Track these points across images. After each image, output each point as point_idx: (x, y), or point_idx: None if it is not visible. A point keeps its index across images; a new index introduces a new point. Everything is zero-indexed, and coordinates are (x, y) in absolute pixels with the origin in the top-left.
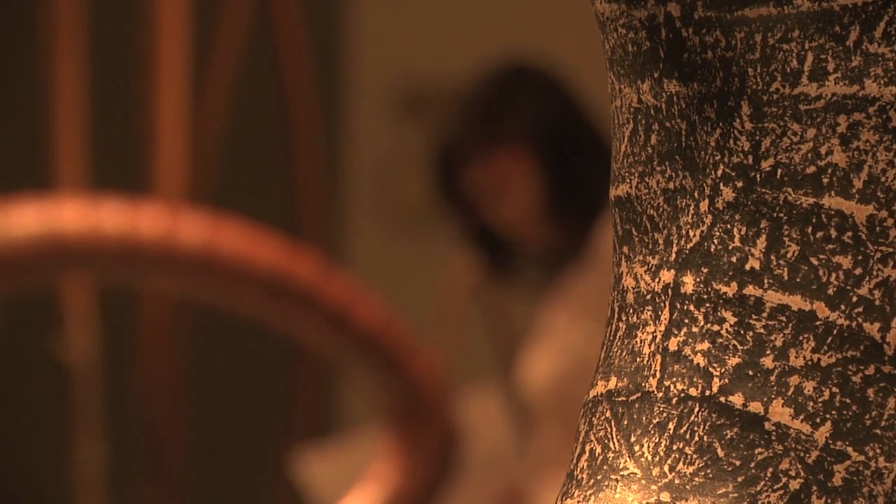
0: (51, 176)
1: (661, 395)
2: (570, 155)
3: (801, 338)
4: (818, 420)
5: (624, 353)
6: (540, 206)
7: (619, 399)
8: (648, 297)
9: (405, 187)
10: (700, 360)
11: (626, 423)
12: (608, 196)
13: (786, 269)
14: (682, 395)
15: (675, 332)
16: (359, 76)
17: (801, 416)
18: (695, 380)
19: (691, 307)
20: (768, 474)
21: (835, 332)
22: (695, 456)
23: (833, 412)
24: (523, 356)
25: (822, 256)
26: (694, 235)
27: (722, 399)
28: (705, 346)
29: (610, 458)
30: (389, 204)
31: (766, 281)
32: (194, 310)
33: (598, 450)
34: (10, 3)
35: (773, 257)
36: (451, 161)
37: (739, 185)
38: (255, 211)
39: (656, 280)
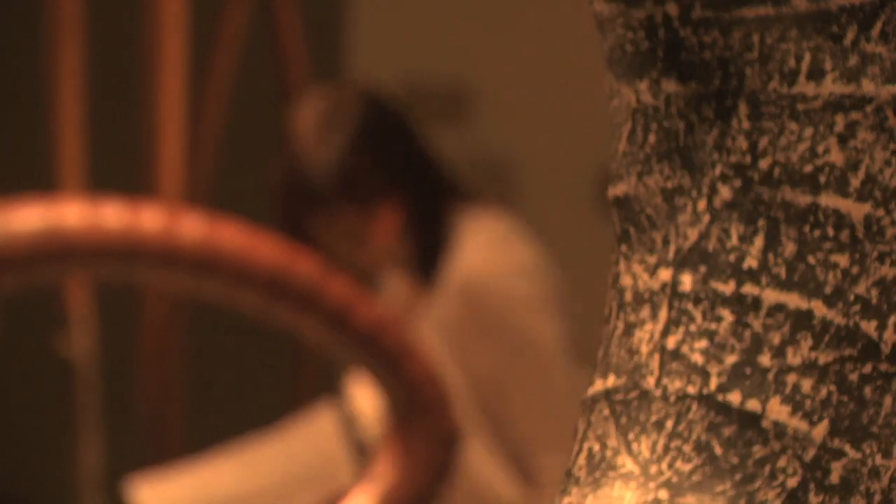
0: (52, 175)
1: (659, 393)
2: (422, 193)
3: (798, 336)
4: (815, 418)
5: (622, 352)
6: (397, 243)
7: (618, 397)
8: (646, 295)
9: None
10: (698, 358)
11: (624, 421)
12: (454, 223)
13: (783, 267)
14: (680, 393)
15: (673, 331)
16: (358, 74)
17: (799, 415)
18: (693, 378)
19: (689, 306)
20: (766, 472)
21: (832, 330)
22: (693, 454)
23: (830, 410)
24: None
25: (819, 255)
26: (692, 234)
27: (720, 397)
28: (703, 344)
29: (608, 456)
30: None
31: (763, 280)
32: (194, 309)
33: (597, 448)
34: (11, 4)
35: (770, 256)
36: (298, 207)
37: (737, 184)
38: (255, 211)
39: (654, 278)
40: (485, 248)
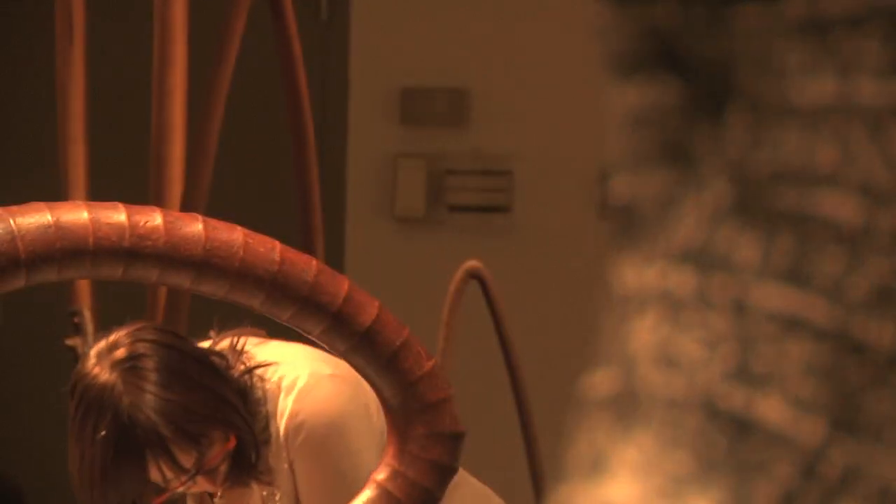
0: (57, 179)
1: (656, 393)
2: (237, 412)
3: (795, 337)
4: (813, 419)
5: (618, 351)
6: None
7: (613, 397)
8: (644, 294)
9: (405, 187)
10: (694, 358)
11: (618, 421)
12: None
13: (780, 268)
14: (676, 393)
15: (670, 330)
16: (359, 76)
17: (796, 416)
18: (690, 378)
19: (686, 305)
20: (763, 473)
21: (830, 331)
22: (687, 455)
23: (828, 411)
24: None
25: (816, 255)
26: (690, 234)
27: (716, 398)
28: (700, 344)
29: (602, 457)
30: (389, 204)
31: (761, 281)
32: (194, 308)
33: (593, 448)
34: (18, 11)
35: (768, 256)
36: (126, 465)
37: (735, 184)
38: (256, 211)
39: (652, 278)
40: (305, 395)
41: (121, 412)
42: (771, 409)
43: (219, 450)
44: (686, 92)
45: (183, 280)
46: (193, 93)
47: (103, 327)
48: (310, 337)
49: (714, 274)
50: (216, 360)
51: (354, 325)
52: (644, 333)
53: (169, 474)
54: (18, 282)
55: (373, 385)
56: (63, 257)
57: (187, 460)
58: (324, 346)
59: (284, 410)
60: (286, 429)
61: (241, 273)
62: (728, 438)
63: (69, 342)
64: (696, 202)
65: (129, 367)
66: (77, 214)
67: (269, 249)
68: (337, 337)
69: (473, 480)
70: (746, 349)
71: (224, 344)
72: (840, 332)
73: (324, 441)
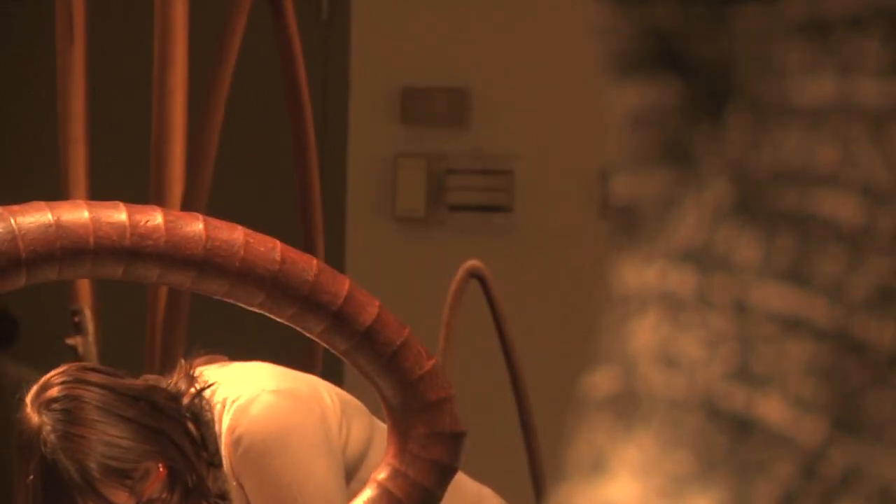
0: (54, 174)
1: (656, 393)
2: (172, 443)
3: (796, 337)
4: (814, 420)
5: (619, 351)
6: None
7: (614, 397)
8: (644, 294)
9: (405, 187)
10: (694, 358)
11: (620, 421)
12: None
13: (781, 268)
14: (678, 393)
15: (670, 330)
16: (359, 76)
17: (797, 416)
18: (690, 378)
19: (687, 305)
20: (763, 473)
21: (830, 331)
22: (688, 455)
23: (828, 411)
24: None
25: (817, 256)
26: (690, 233)
27: (717, 398)
28: (700, 344)
29: (602, 456)
30: (390, 204)
31: (761, 281)
32: (194, 308)
33: (593, 448)
34: (18, 11)
35: (768, 256)
36: None
37: (735, 184)
38: (256, 210)
39: (652, 277)
40: (243, 411)
41: (45, 455)
42: (771, 409)
43: (154, 481)
44: (686, 92)
45: (184, 279)
46: (193, 92)
47: (104, 326)
48: (310, 336)
49: (714, 274)
50: (156, 392)
51: (355, 325)
52: (644, 333)
53: None
54: (19, 281)
55: (373, 384)
56: (64, 256)
57: (121, 497)
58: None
59: (223, 427)
60: (226, 445)
61: (242, 272)
62: (728, 438)
63: (69, 341)
64: (696, 202)
65: (56, 408)
66: (78, 214)
67: (269, 249)
68: (337, 336)
69: (468, 484)
70: (747, 349)
71: (179, 372)
72: (840, 331)
73: (262, 454)
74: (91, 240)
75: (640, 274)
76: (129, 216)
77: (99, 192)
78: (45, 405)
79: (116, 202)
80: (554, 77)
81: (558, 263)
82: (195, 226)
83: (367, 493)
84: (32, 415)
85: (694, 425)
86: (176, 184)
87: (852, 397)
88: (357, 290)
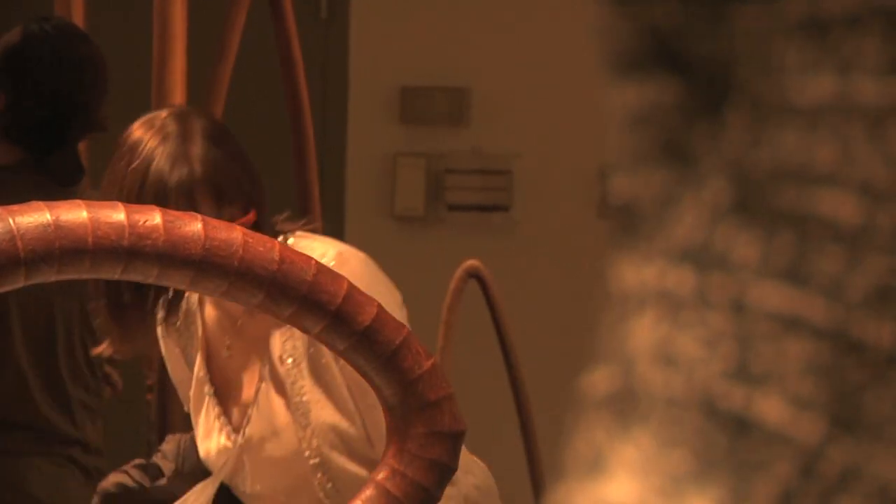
0: None
1: (654, 392)
2: (260, 202)
3: (795, 336)
4: (813, 419)
5: (618, 350)
6: None
7: (613, 396)
8: (642, 293)
9: (405, 186)
10: (693, 357)
11: (619, 420)
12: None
13: (780, 267)
14: (676, 392)
15: (670, 330)
16: (359, 76)
17: (796, 415)
18: (689, 377)
19: (685, 304)
20: (762, 472)
21: (829, 331)
22: (688, 453)
23: (827, 410)
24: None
25: (816, 255)
26: (689, 232)
27: (716, 397)
28: (698, 343)
29: (603, 456)
30: (389, 203)
31: (760, 280)
32: None
33: (592, 447)
34: (19, 9)
35: (767, 255)
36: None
37: (734, 183)
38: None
39: (651, 276)
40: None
41: (155, 149)
42: (770, 408)
43: (242, 219)
44: (685, 91)
45: (182, 279)
46: (193, 92)
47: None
48: (309, 336)
49: (713, 273)
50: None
51: (353, 324)
52: (643, 332)
53: None
54: (18, 281)
55: (372, 384)
56: (62, 256)
57: (207, 210)
58: (325, 344)
59: None
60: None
61: (241, 272)
62: (727, 437)
63: None
64: (695, 201)
65: (179, 115)
66: (76, 213)
67: (268, 249)
68: (336, 336)
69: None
70: (745, 348)
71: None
72: (839, 331)
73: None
74: (90, 240)
75: (638, 273)
76: (128, 216)
77: (98, 190)
78: (166, 115)
79: (115, 202)
80: (553, 77)
81: (557, 263)
82: (194, 225)
83: (366, 492)
84: (149, 120)
85: (692, 424)
86: None
87: (851, 396)
88: (356, 290)
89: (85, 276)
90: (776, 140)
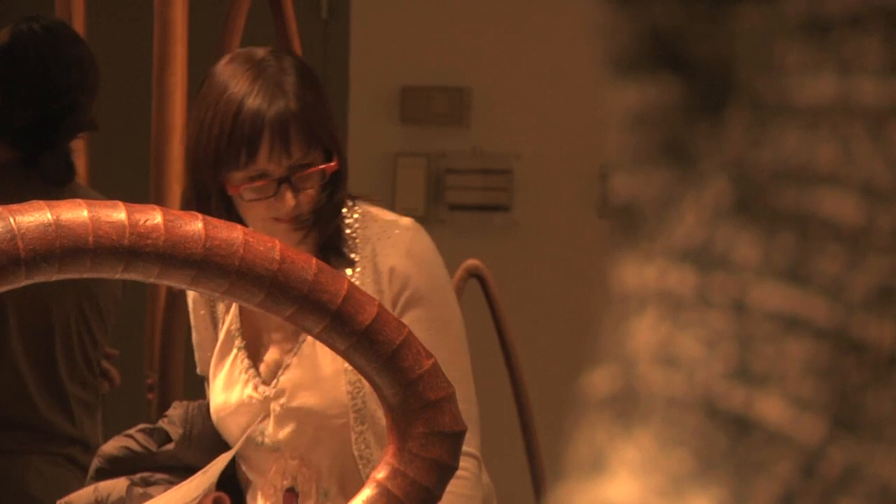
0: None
1: (655, 392)
2: (340, 153)
3: (795, 336)
4: (814, 418)
5: (618, 350)
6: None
7: (614, 396)
8: (643, 293)
9: (405, 186)
10: (693, 357)
11: (620, 420)
12: None
13: (781, 267)
14: (677, 392)
15: (670, 329)
16: (359, 75)
17: (797, 415)
18: (690, 377)
19: (686, 304)
20: (763, 472)
21: (830, 331)
22: (689, 453)
23: (828, 410)
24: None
25: (816, 255)
26: (689, 232)
27: (717, 397)
28: (700, 343)
29: (604, 456)
30: (389, 203)
31: (761, 280)
32: None
33: (593, 447)
34: (20, 9)
35: (767, 255)
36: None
37: (734, 183)
38: None
39: (651, 277)
40: (408, 237)
41: (254, 81)
42: (771, 408)
43: (319, 166)
44: (686, 91)
45: (183, 278)
46: (193, 92)
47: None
48: (310, 335)
49: (714, 273)
50: None
51: (354, 324)
52: (644, 332)
53: (274, 157)
54: (18, 280)
55: (372, 383)
56: (63, 256)
57: (296, 151)
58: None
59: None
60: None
61: (241, 272)
62: (728, 437)
63: None
64: (695, 201)
65: (275, 53)
66: (77, 213)
67: (268, 248)
68: (336, 335)
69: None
70: (746, 348)
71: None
72: (840, 331)
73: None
74: (90, 239)
75: (639, 273)
76: (129, 215)
77: (98, 190)
78: (263, 51)
79: (116, 201)
80: (553, 76)
81: (557, 262)
82: (194, 225)
83: (367, 492)
84: (244, 52)
85: (693, 424)
86: (175, 183)
87: (852, 396)
88: (356, 290)
89: (86, 275)
90: (777, 140)
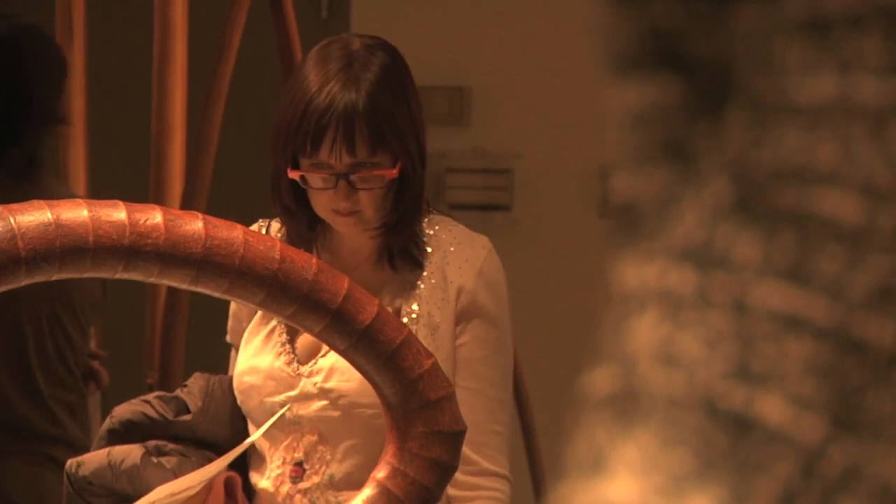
0: (55, 173)
1: (655, 391)
2: (414, 157)
3: (796, 335)
4: (814, 418)
5: (619, 350)
6: (380, 203)
7: (614, 396)
8: (644, 293)
9: None
10: (694, 356)
11: (620, 419)
12: None
13: (781, 267)
14: (678, 391)
15: (671, 329)
16: None
17: (797, 414)
18: (690, 377)
19: (686, 304)
20: (763, 472)
21: (830, 330)
22: (689, 453)
23: (828, 410)
24: None
25: (817, 255)
26: (690, 232)
27: (717, 397)
28: (701, 343)
29: (604, 455)
30: None
31: (761, 279)
32: (194, 307)
33: (593, 447)
34: (20, 9)
35: (768, 255)
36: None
37: (735, 183)
38: (256, 209)
39: (652, 277)
40: (479, 250)
41: (339, 71)
42: (771, 408)
43: (383, 169)
44: (686, 91)
45: (183, 278)
46: (193, 91)
47: (104, 327)
48: (311, 335)
49: (714, 272)
50: None
51: (354, 324)
52: (644, 332)
53: (335, 151)
54: (19, 279)
55: (373, 383)
56: (63, 255)
57: (361, 150)
58: (325, 343)
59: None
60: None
61: (242, 271)
62: (728, 437)
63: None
64: (696, 201)
65: (369, 46)
66: (77, 212)
67: (269, 248)
68: (337, 335)
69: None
70: (746, 348)
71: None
72: (840, 330)
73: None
74: (90, 238)
75: (639, 272)
76: (129, 215)
77: (98, 190)
78: (358, 41)
79: (116, 201)
80: (553, 76)
81: (558, 262)
82: (195, 224)
83: (367, 491)
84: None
85: (693, 424)
86: (176, 182)
87: (852, 396)
88: (356, 289)
89: (86, 274)
90: (777, 140)
